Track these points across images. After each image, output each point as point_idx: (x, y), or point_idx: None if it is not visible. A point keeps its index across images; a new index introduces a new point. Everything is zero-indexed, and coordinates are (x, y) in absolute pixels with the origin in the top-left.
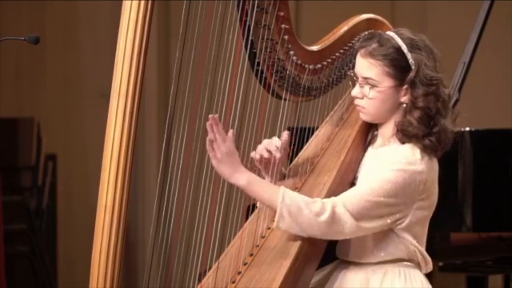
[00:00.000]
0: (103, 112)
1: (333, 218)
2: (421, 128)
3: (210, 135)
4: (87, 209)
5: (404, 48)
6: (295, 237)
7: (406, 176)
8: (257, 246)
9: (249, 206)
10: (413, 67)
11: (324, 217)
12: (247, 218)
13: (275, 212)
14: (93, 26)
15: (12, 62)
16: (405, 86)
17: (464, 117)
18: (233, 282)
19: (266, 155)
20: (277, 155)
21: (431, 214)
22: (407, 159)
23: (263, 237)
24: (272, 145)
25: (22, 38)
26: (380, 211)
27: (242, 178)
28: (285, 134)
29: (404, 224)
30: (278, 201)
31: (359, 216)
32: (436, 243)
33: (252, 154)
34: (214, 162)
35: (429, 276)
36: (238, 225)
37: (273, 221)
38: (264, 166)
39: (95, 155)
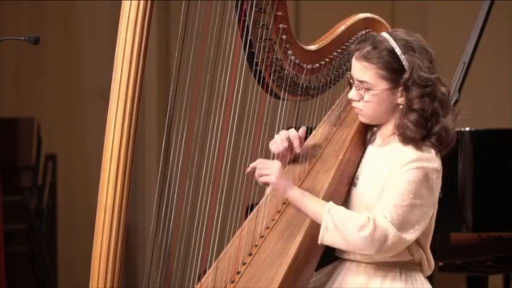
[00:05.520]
0: (103, 112)
1: (376, 229)
2: (419, 131)
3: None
4: (87, 209)
5: (397, 50)
6: (294, 237)
7: (424, 173)
8: (256, 246)
9: (248, 206)
10: (407, 69)
11: (369, 229)
12: (246, 218)
13: (277, 210)
14: (93, 26)
15: (12, 62)
16: (400, 88)
17: (466, 115)
18: (232, 282)
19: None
20: (297, 150)
21: (435, 213)
22: (421, 157)
23: (262, 236)
24: (285, 139)
25: (22, 38)
26: (415, 217)
27: (296, 190)
28: (302, 130)
29: None
30: (324, 213)
31: (400, 225)
32: (436, 243)
33: (270, 145)
34: (271, 178)
35: (429, 276)
36: (237, 225)
37: (273, 220)
38: (281, 158)
39: (95, 155)
